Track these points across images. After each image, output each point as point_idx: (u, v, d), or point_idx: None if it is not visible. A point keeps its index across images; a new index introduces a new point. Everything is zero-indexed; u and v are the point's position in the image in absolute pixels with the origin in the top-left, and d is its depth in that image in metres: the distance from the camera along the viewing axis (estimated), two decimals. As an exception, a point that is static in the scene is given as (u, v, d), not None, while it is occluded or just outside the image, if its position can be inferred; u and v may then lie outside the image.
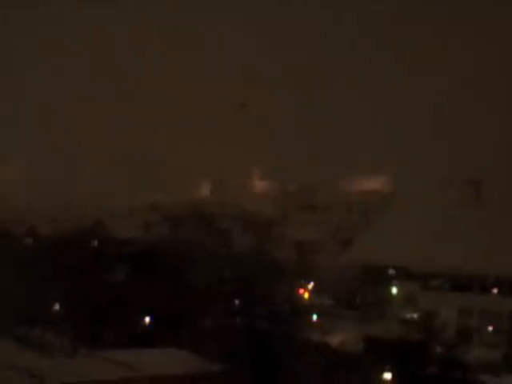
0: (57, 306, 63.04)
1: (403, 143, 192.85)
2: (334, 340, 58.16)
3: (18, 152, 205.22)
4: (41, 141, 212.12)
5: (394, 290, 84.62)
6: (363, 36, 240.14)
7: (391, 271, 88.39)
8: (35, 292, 59.68)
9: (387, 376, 47.12)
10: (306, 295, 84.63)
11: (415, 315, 67.11)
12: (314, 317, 66.99)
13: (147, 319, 58.84)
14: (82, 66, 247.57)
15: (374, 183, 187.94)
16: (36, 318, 59.21)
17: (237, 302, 63.27)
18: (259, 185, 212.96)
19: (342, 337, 59.41)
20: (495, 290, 78.51)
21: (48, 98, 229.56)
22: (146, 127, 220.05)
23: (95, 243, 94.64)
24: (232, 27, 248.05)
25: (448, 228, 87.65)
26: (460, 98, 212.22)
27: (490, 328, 74.36)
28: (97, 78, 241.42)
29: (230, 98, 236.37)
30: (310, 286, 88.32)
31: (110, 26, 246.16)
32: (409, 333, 49.76)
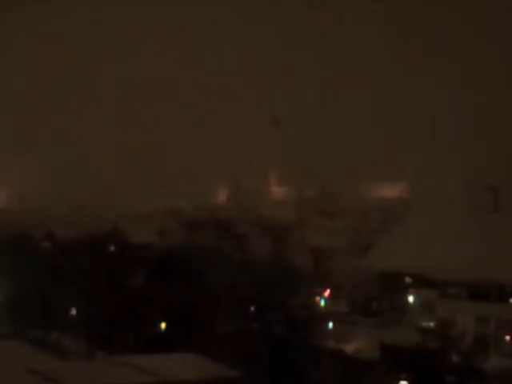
0: (73, 310, 63.30)
1: (422, 149, 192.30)
2: (350, 347, 57.97)
3: (38, 154, 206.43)
4: (60, 144, 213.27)
5: (411, 298, 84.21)
6: (380, 37, 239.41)
7: (408, 279, 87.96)
8: (52, 296, 59.92)
9: (403, 384, 46.93)
10: (323, 302, 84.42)
11: (432, 323, 66.70)
12: (330, 324, 66.85)
13: (163, 324, 58.97)
14: (103, 69, 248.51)
15: (392, 190, 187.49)
16: (53, 321, 59.48)
17: (253, 307, 63.23)
18: (277, 190, 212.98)
19: (358, 344, 59.19)
20: (513, 299, 77.97)
21: (67, 100, 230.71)
22: (165, 133, 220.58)
23: (112, 248, 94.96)
24: (251, 28, 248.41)
25: (466, 235, 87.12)
26: (481, 103, 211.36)
27: (508, 337, 73.84)
28: (118, 82, 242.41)
29: (248, 104, 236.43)
30: (327, 292, 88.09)
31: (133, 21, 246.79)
32: (426, 341, 49.51)
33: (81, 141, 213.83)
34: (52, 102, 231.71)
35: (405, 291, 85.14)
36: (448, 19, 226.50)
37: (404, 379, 46.90)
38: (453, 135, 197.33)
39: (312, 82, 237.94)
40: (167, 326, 58.91)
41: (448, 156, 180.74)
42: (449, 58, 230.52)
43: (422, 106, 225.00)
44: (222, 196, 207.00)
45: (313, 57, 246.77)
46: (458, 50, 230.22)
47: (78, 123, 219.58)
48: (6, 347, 46.33)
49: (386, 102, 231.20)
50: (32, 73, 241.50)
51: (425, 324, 70.24)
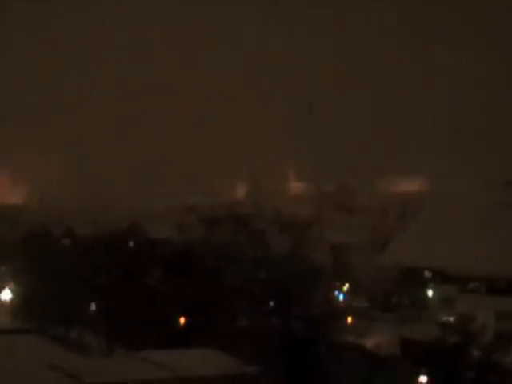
0: (93, 307, 63.63)
1: (441, 144, 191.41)
2: (370, 342, 57.86)
3: (57, 153, 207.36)
4: (78, 142, 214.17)
5: (431, 293, 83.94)
6: (391, 35, 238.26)
7: (427, 274, 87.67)
8: (72, 292, 60.26)
9: (423, 379, 46.80)
10: (341, 297, 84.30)
11: (452, 318, 66.47)
12: (349, 319, 66.76)
13: (182, 320, 59.14)
14: (121, 66, 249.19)
15: (411, 184, 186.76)
16: (73, 318, 59.81)
17: (272, 303, 63.28)
18: (295, 186, 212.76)
19: (378, 339, 59.06)
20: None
21: (85, 99, 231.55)
22: (182, 128, 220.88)
23: (131, 244, 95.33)
24: (264, 24, 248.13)
25: (486, 230, 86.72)
26: (498, 99, 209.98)
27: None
28: (134, 78, 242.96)
29: (266, 101, 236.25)
30: (346, 287, 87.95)
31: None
32: (445, 336, 49.35)
33: (98, 139, 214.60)
34: (70, 101, 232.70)
35: (424, 286, 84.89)
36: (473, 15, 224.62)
37: (424, 374, 46.77)
38: (471, 130, 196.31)
39: (328, 77, 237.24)
40: (186, 322, 59.07)
41: (468, 150, 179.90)
42: (465, 55, 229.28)
43: (440, 101, 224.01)
44: (240, 192, 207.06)
45: (327, 52, 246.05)
46: (472, 47, 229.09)
47: (95, 122, 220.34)
48: (27, 343, 46.68)
49: (403, 98, 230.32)
50: (48, 73, 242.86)
51: (444, 319, 70.01)
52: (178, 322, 59.46)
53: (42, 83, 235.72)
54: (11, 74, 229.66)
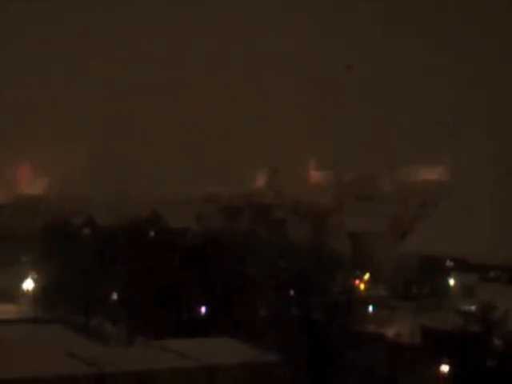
0: (114, 296, 63.83)
1: (461, 132, 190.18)
2: (391, 331, 57.63)
3: (77, 143, 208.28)
4: (98, 132, 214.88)
5: (452, 281, 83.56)
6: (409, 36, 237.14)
7: (448, 262, 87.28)
8: (93, 282, 60.48)
9: (444, 368, 46.54)
10: (362, 286, 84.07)
11: (473, 307, 66.12)
12: (370, 308, 66.51)
13: (203, 309, 59.20)
14: (138, 58, 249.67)
15: (431, 173, 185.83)
16: (94, 307, 60.05)
17: (291, 292, 63.12)
18: (315, 175, 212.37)
19: (399, 328, 58.82)
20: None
21: (104, 91, 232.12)
22: (202, 120, 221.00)
23: (151, 233, 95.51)
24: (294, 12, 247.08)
25: (506, 219, 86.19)
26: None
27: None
28: (154, 71, 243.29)
29: (285, 91, 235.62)
30: (366, 276, 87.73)
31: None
32: (467, 325, 49.02)
33: (119, 129, 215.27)
34: (89, 93, 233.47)
35: (445, 275, 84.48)
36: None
37: (445, 363, 46.51)
38: (492, 119, 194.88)
39: (350, 64, 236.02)
40: (206, 311, 59.11)
41: (489, 139, 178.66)
42: (486, 46, 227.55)
43: (460, 90, 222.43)
44: (259, 181, 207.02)
45: (346, 43, 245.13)
46: (491, 36, 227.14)
47: (115, 112, 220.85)
48: (49, 332, 46.97)
49: (423, 87, 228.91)
50: (66, 66, 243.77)
51: (465, 308, 69.66)
52: (197, 311, 59.53)
53: (55, 76, 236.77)
54: (27, 69, 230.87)
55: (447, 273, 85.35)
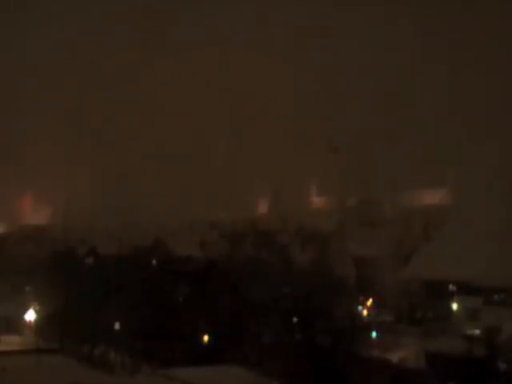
0: (118, 325, 63.64)
1: (465, 155, 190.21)
2: (395, 356, 57.42)
3: (79, 171, 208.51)
4: (99, 159, 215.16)
5: (456, 306, 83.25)
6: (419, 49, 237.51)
7: (452, 286, 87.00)
8: (97, 311, 60.39)
9: (450, 393, 46.37)
10: (365, 312, 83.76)
11: (478, 331, 65.89)
12: (374, 333, 66.33)
13: (207, 336, 59.07)
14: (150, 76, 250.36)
15: (434, 197, 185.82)
16: (98, 336, 59.89)
17: (296, 318, 62.97)
18: (318, 200, 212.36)
19: (404, 353, 58.61)
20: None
21: (111, 110, 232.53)
22: (204, 144, 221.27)
23: (155, 261, 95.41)
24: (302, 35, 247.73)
25: (509, 241, 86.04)
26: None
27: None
28: (169, 91, 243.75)
29: (288, 114, 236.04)
30: (369, 302, 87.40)
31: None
32: (472, 349, 48.88)
33: (120, 155, 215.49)
34: (90, 120, 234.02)
35: (449, 299, 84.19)
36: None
37: (451, 388, 46.36)
38: (495, 140, 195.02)
39: (353, 89, 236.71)
40: (210, 339, 58.99)
41: (490, 162, 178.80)
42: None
43: (466, 110, 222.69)
44: (262, 207, 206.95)
45: (352, 58, 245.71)
46: (496, 47, 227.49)
47: (116, 138, 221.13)
48: (53, 363, 46.88)
49: (426, 110, 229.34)
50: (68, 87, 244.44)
51: (470, 332, 69.41)
52: (202, 338, 59.40)
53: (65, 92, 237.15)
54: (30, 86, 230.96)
55: (451, 297, 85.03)
